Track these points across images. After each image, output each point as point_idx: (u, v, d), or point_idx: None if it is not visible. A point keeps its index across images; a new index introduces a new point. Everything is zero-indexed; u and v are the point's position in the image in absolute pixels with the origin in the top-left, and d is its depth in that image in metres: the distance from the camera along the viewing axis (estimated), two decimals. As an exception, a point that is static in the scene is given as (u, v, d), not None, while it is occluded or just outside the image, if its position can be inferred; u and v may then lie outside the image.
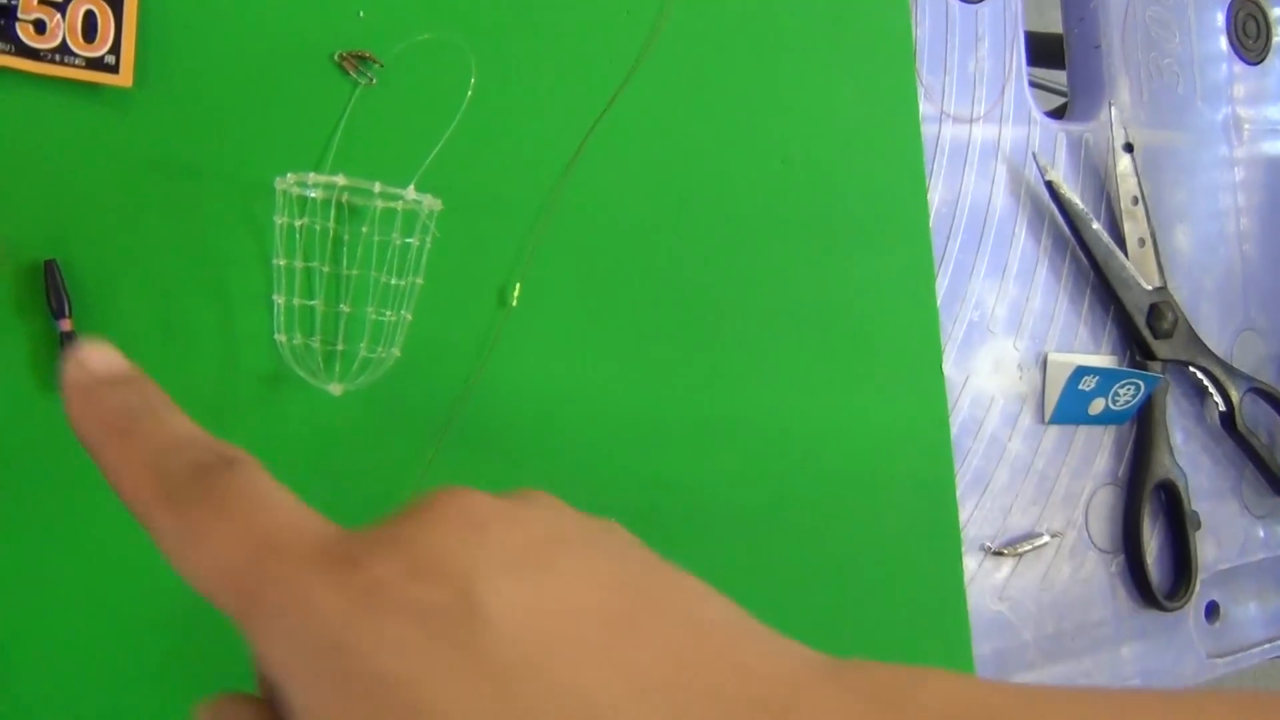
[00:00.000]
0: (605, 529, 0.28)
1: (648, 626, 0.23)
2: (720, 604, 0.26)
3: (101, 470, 0.27)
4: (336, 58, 0.44)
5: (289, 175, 0.40)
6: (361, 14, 0.44)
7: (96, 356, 0.29)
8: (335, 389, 0.41)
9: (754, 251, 0.54)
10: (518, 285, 0.45)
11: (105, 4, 0.39)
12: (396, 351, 0.41)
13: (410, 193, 0.39)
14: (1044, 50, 0.79)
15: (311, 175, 0.38)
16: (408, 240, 0.41)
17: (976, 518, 0.62)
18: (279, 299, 0.41)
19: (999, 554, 0.62)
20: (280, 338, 0.41)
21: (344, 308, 0.41)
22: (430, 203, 0.40)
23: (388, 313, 0.41)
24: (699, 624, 0.24)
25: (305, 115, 0.43)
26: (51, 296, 0.39)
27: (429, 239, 0.41)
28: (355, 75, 0.44)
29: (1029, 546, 0.63)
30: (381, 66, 0.44)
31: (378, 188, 0.39)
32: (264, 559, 0.24)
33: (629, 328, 0.50)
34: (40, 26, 0.39)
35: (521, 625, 0.22)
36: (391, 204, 0.41)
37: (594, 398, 0.49)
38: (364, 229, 0.40)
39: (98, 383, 0.28)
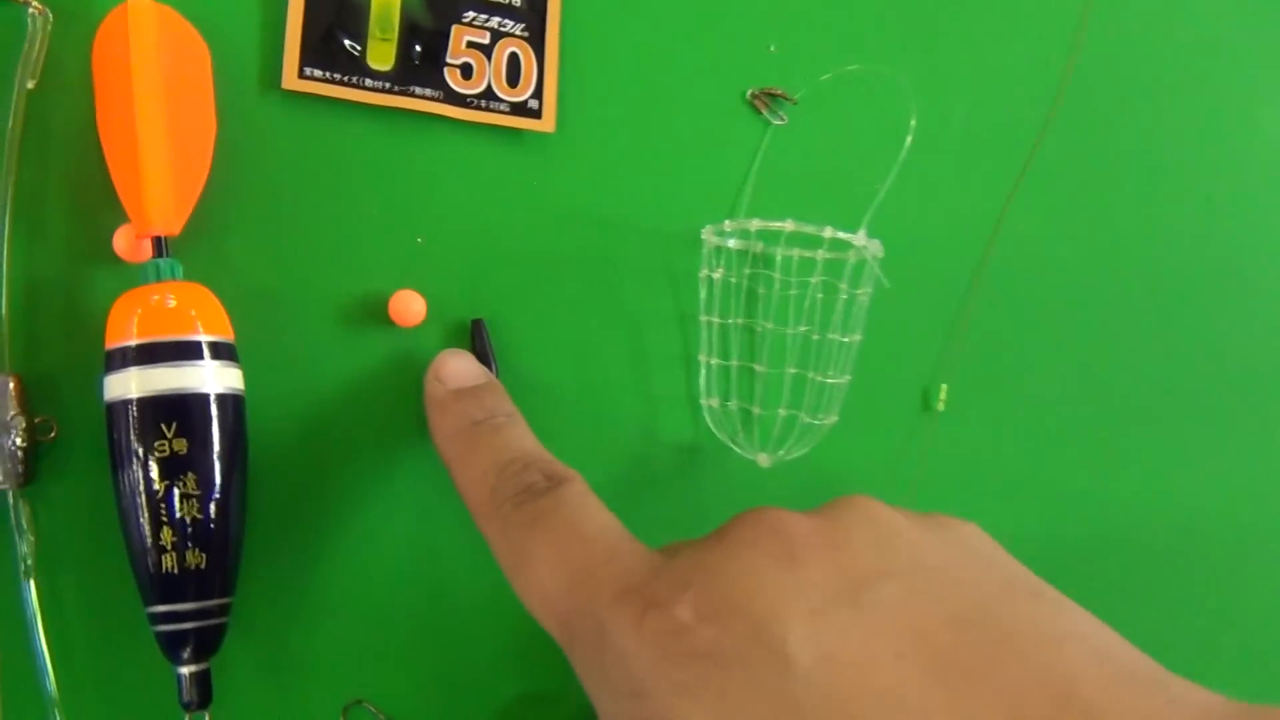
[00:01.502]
0: (945, 540, 0.25)
1: (985, 670, 0.20)
2: (1087, 637, 0.21)
3: (455, 485, 0.29)
4: (749, 96, 0.40)
5: (726, 222, 0.36)
6: (773, 48, 0.40)
7: (450, 368, 0.32)
8: (763, 459, 0.37)
9: (1178, 307, 0.47)
10: (944, 390, 0.40)
11: (528, 46, 0.37)
12: (834, 417, 0.36)
13: (861, 237, 0.35)
14: None
15: (755, 221, 0.34)
16: (855, 292, 0.36)
17: None
18: (706, 359, 0.37)
19: None
20: (709, 402, 0.37)
21: (789, 369, 0.37)
22: (875, 248, 0.36)
23: (816, 374, 0.37)
24: (1055, 666, 0.20)
25: (719, 159, 0.39)
26: (480, 358, 0.36)
27: (868, 288, 0.36)
28: (767, 114, 0.40)
29: None
30: (794, 104, 0.40)
31: (829, 232, 0.34)
32: (577, 589, 0.25)
33: (1056, 409, 0.43)
34: (467, 71, 0.36)
35: (828, 675, 0.20)
36: (829, 253, 0.37)
37: (1026, 484, 0.43)
38: (813, 279, 0.35)
39: (449, 395, 0.31)
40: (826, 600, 0.21)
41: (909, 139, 0.37)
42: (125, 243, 0.32)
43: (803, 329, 0.36)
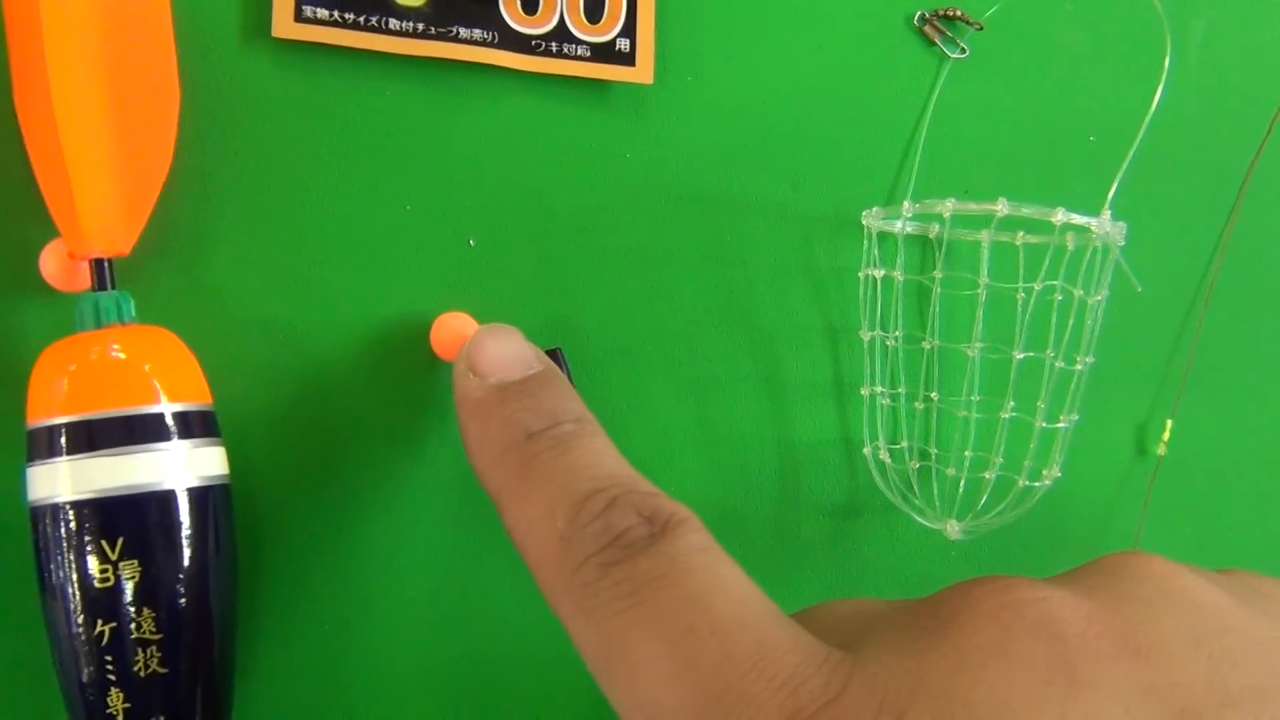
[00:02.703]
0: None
1: None
2: None
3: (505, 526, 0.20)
4: (917, 20, 0.29)
5: (905, 203, 0.25)
6: (947, -47, 0.29)
7: (489, 353, 0.22)
8: (952, 529, 0.26)
9: None
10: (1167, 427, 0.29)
11: (613, -36, 0.26)
12: (1056, 472, 0.26)
13: (1105, 220, 0.24)
14: None
15: (950, 202, 0.24)
16: (1089, 298, 0.25)
17: None
18: (870, 391, 0.27)
19: None
20: (876, 451, 0.27)
21: (1004, 412, 0.26)
22: (1116, 235, 0.25)
23: (1030, 416, 0.26)
24: None
25: (877, 110, 0.29)
26: (556, 403, 0.26)
27: (1104, 291, 0.25)
28: (941, 44, 0.29)
29: None
30: (979, 29, 0.29)
31: (1060, 216, 0.23)
32: (711, 710, 0.16)
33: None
34: (530, 4, 0.26)
35: None
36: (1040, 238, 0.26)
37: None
38: (1036, 284, 0.24)
39: (491, 394, 0.21)
40: None
41: (1163, 77, 0.26)
42: (56, 264, 0.22)
43: (1018, 355, 0.25)
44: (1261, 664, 0.16)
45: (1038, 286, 0.25)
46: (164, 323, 0.22)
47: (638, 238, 0.27)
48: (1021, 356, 0.25)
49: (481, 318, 0.25)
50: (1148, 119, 0.25)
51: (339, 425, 0.25)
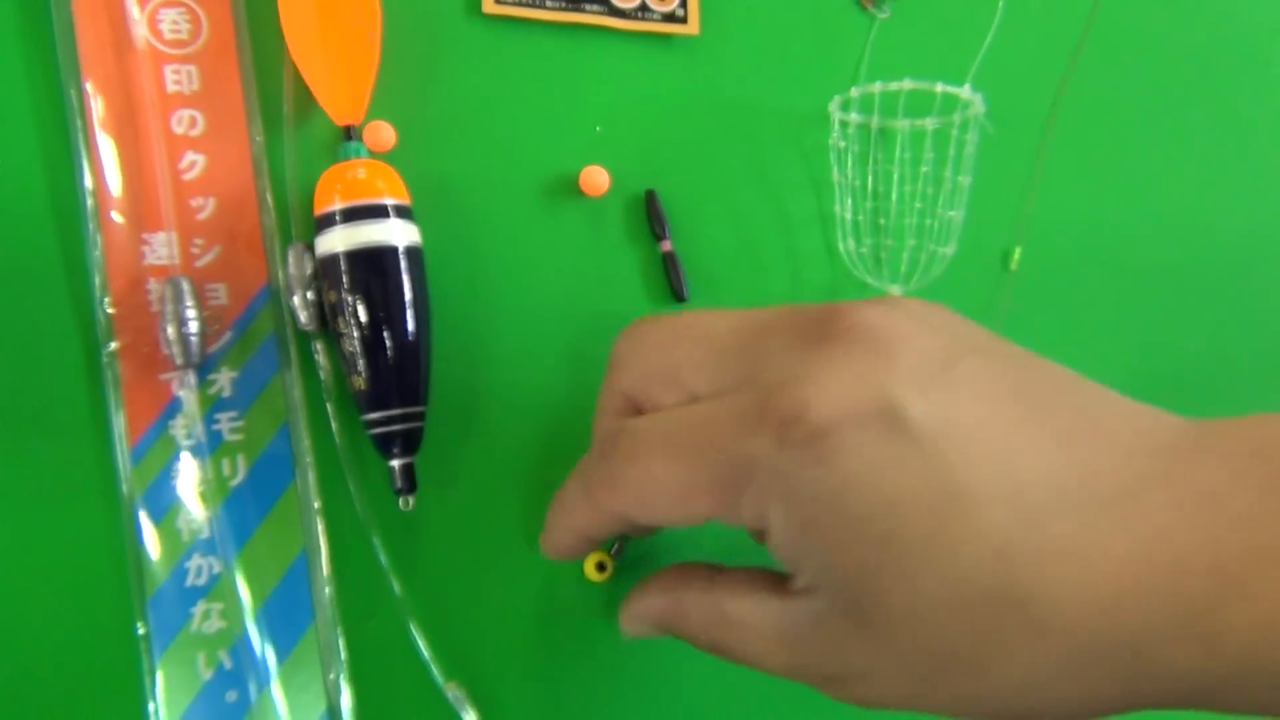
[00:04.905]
0: (980, 333, 0.29)
1: (1040, 419, 0.26)
2: (1092, 388, 0.27)
3: None
4: (857, -5, 0.47)
5: (852, 90, 0.43)
6: (873, -46, 0.47)
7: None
8: (895, 290, 0.44)
9: (1271, 174, 0.52)
10: (1017, 251, 0.46)
11: (672, -34, 0.45)
12: (953, 247, 0.43)
13: (967, 90, 0.41)
14: None
15: (878, 84, 0.41)
16: (964, 137, 0.43)
17: None
18: (841, 212, 0.44)
19: None
20: (845, 245, 0.44)
21: (916, 205, 0.44)
22: (978, 103, 0.42)
23: (937, 209, 0.44)
24: (1080, 410, 0.26)
25: (835, 50, 0.47)
26: (654, 222, 0.43)
27: (973, 136, 0.43)
28: (873, 9, 0.47)
29: None
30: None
31: (940, 87, 0.41)
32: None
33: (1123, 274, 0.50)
34: (624, -11, 0.44)
35: (939, 432, 0.25)
36: (931, 118, 0.43)
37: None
38: (929, 127, 0.42)
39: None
40: (922, 380, 0.27)
41: (996, 19, 0.44)
42: (372, 137, 0.40)
43: (924, 169, 0.43)
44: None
45: (930, 126, 0.42)
46: (432, 166, 0.40)
47: (692, 129, 0.45)
48: (927, 170, 0.43)
49: (609, 170, 0.43)
50: (993, 31, 0.43)
51: (529, 230, 0.42)
